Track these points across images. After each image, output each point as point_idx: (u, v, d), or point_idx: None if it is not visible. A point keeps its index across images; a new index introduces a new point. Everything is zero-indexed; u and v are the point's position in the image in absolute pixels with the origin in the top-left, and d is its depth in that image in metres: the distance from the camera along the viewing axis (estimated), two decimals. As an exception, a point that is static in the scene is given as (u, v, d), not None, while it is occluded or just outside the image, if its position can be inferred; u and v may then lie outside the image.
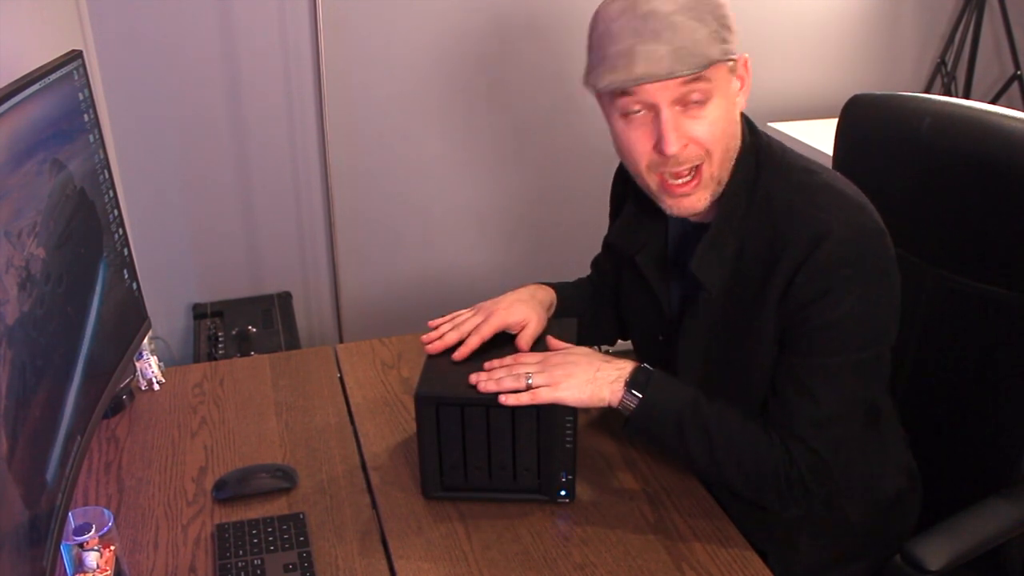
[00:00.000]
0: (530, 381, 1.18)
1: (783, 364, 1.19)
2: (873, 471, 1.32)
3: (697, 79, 1.10)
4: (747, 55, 1.19)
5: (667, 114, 1.12)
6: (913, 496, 1.37)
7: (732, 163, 1.19)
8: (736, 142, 1.19)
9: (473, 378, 1.21)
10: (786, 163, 1.21)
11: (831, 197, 1.16)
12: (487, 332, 1.30)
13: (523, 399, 1.18)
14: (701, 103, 1.13)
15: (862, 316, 1.14)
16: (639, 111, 1.14)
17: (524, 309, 1.34)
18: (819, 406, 1.16)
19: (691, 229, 1.28)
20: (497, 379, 1.20)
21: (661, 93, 1.11)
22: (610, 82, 1.12)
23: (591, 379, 1.20)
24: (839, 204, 1.15)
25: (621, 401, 1.20)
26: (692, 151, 1.15)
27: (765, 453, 1.18)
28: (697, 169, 1.16)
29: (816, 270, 1.12)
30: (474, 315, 1.34)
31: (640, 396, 1.19)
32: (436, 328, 1.34)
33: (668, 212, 1.21)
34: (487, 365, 1.24)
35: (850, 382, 1.17)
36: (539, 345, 1.32)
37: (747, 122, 1.23)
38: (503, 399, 1.18)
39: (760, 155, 1.21)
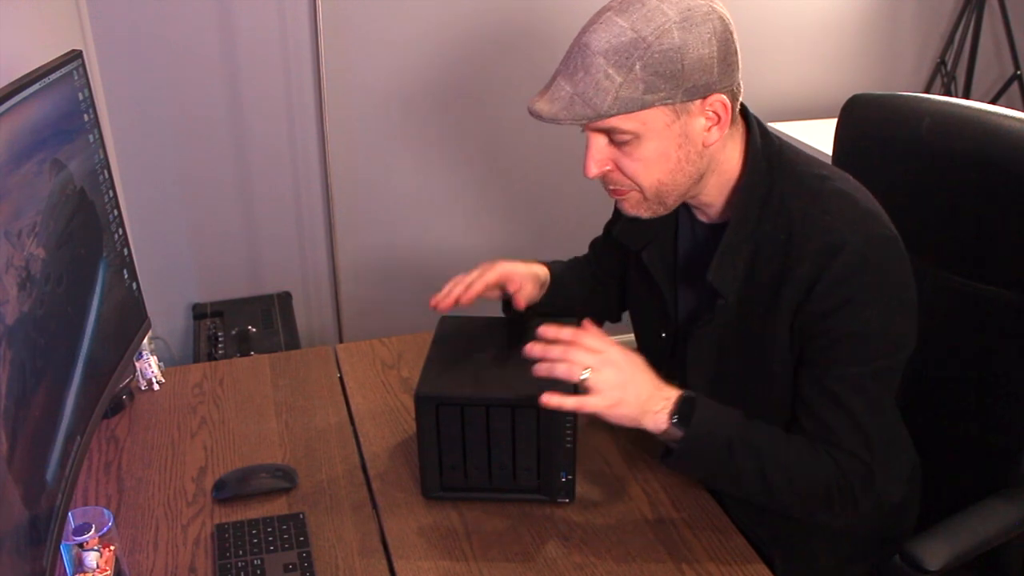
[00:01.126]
0: (585, 376, 1.10)
1: (811, 378, 1.18)
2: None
3: (611, 128, 1.11)
4: (724, 98, 1.12)
5: (590, 140, 1.14)
6: (914, 497, 1.37)
7: (684, 187, 1.18)
8: (689, 169, 1.16)
9: (537, 349, 1.13)
10: (799, 167, 1.20)
11: (843, 205, 1.15)
12: (491, 279, 1.35)
13: (567, 404, 1.11)
14: (628, 141, 1.12)
15: (883, 324, 1.14)
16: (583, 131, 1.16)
17: (522, 271, 1.39)
18: (854, 417, 1.16)
19: (701, 230, 1.27)
20: (551, 365, 1.12)
21: (585, 126, 1.13)
22: (528, 105, 1.15)
23: (640, 402, 1.13)
24: (852, 213, 1.14)
25: (666, 432, 1.15)
26: (617, 177, 1.17)
27: (816, 469, 1.17)
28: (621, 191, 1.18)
29: (834, 282, 1.12)
30: (474, 271, 1.37)
31: (686, 427, 1.14)
32: (441, 293, 1.35)
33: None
34: (534, 350, 1.14)
35: (877, 389, 1.17)
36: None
37: (758, 124, 1.22)
38: (545, 400, 1.10)
39: (772, 159, 1.20)
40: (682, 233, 1.32)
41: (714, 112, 1.14)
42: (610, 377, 1.12)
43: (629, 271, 1.42)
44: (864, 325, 1.13)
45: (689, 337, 1.27)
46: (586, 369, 1.11)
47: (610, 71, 1.07)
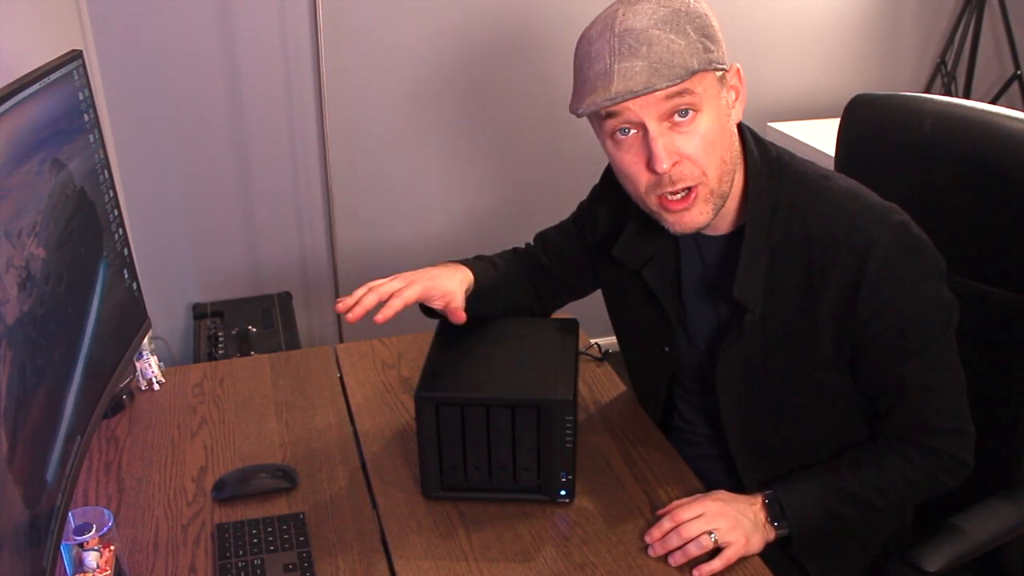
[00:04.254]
0: (714, 538, 1.15)
1: (887, 377, 1.19)
2: None
3: (681, 92, 1.08)
4: (739, 64, 1.17)
5: (655, 130, 1.10)
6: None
7: (732, 175, 1.17)
8: (733, 153, 1.16)
9: (658, 548, 1.18)
10: (799, 170, 1.20)
11: (855, 201, 1.16)
12: (411, 297, 1.25)
13: (715, 567, 1.14)
14: (689, 116, 1.11)
15: (933, 301, 1.16)
16: (628, 132, 1.13)
17: (447, 283, 1.31)
18: (938, 394, 1.19)
19: (709, 245, 1.26)
20: (683, 550, 1.16)
21: (645, 110, 1.09)
22: (589, 104, 1.10)
23: (754, 523, 1.19)
24: (865, 207, 1.15)
25: (777, 535, 1.20)
26: (687, 169, 1.12)
27: (911, 474, 1.21)
28: (692, 189, 1.14)
29: (875, 283, 1.12)
30: (392, 280, 1.28)
31: (786, 524, 1.19)
32: (351, 297, 1.25)
33: (672, 231, 1.19)
34: (648, 537, 1.19)
35: (949, 359, 1.19)
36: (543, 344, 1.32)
37: (751, 134, 1.22)
38: (700, 573, 1.14)
39: (772, 166, 1.20)
40: (684, 249, 1.30)
41: (733, 87, 1.16)
42: (725, 524, 1.17)
43: (625, 289, 1.39)
44: (918, 309, 1.15)
45: (717, 356, 1.26)
46: (709, 534, 1.16)
47: (672, 36, 1.08)
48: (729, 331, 1.24)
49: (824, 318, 1.16)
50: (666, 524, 1.18)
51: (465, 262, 1.41)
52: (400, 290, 1.25)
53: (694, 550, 1.15)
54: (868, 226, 1.13)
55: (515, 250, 1.53)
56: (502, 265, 1.46)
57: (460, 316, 1.32)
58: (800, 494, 1.21)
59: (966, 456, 1.21)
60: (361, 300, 1.24)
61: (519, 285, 1.48)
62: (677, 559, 1.16)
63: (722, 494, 1.22)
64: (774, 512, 1.20)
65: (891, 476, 1.21)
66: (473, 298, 1.36)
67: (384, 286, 1.26)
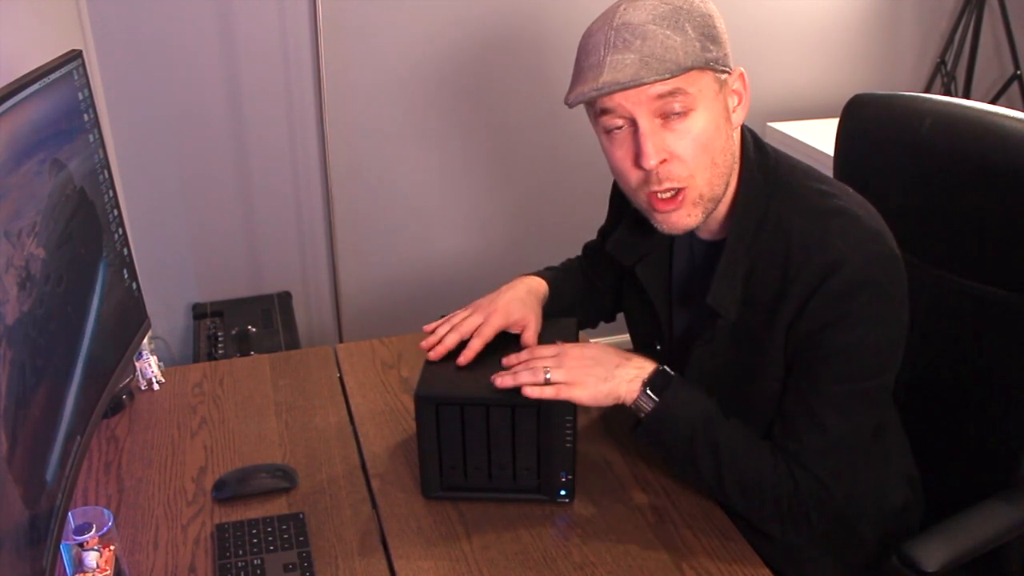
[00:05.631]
0: (548, 376, 1.16)
1: (791, 389, 1.17)
2: (879, 484, 1.31)
3: (673, 91, 1.08)
4: (742, 68, 1.16)
5: (645, 127, 1.10)
6: (916, 503, 1.37)
7: (726, 179, 1.16)
8: (728, 157, 1.15)
9: (497, 381, 1.19)
10: (797, 183, 1.18)
11: (845, 223, 1.13)
12: (488, 333, 1.29)
13: (546, 392, 1.15)
14: (682, 115, 1.09)
15: (873, 345, 1.13)
16: (620, 127, 1.12)
17: (521, 308, 1.34)
18: (827, 434, 1.15)
19: (699, 246, 1.26)
20: (514, 374, 1.18)
21: (636, 104, 1.09)
22: (577, 95, 1.10)
23: (609, 376, 1.17)
24: (853, 231, 1.12)
25: (636, 401, 1.18)
26: (676, 168, 1.12)
27: (769, 478, 1.16)
28: (680, 191, 1.13)
29: (829, 298, 1.10)
30: (471, 315, 1.32)
31: (656, 399, 1.17)
32: (433, 332, 1.32)
33: (661, 231, 1.18)
34: (505, 361, 1.22)
35: (858, 410, 1.15)
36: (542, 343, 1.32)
37: (754, 138, 1.21)
38: (526, 391, 1.15)
39: (769, 174, 1.18)
40: (678, 249, 1.30)
41: (736, 91, 1.15)
42: (570, 363, 1.18)
43: (624, 283, 1.41)
44: (855, 343, 1.12)
45: (687, 356, 1.25)
46: (546, 369, 1.17)
47: (668, 32, 1.07)
48: (702, 333, 1.23)
49: (779, 330, 1.15)
50: (524, 355, 1.20)
51: (537, 273, 1.46)
52: (479, 329, 1.30)
53: (524, 376, 1.17)
54: (844, 247, 1.10)
55: (569, 261, 1.56)
56: (560, 275, 1.50)
57: (532, 341, 1.32)
58: (688, 394, 1.18)
59: (814, 514, 1.16)
60: (444, 340, 1.29)
61: (578, 292, 1.51)
62: (505, 381, 1.18)
63: (602, 346, 1.22)
64: (656, 383, 1.17)
65: (754, 466, 1.17)
66: (550, 308, 1.40)
67: (464, 325, 1.30)
